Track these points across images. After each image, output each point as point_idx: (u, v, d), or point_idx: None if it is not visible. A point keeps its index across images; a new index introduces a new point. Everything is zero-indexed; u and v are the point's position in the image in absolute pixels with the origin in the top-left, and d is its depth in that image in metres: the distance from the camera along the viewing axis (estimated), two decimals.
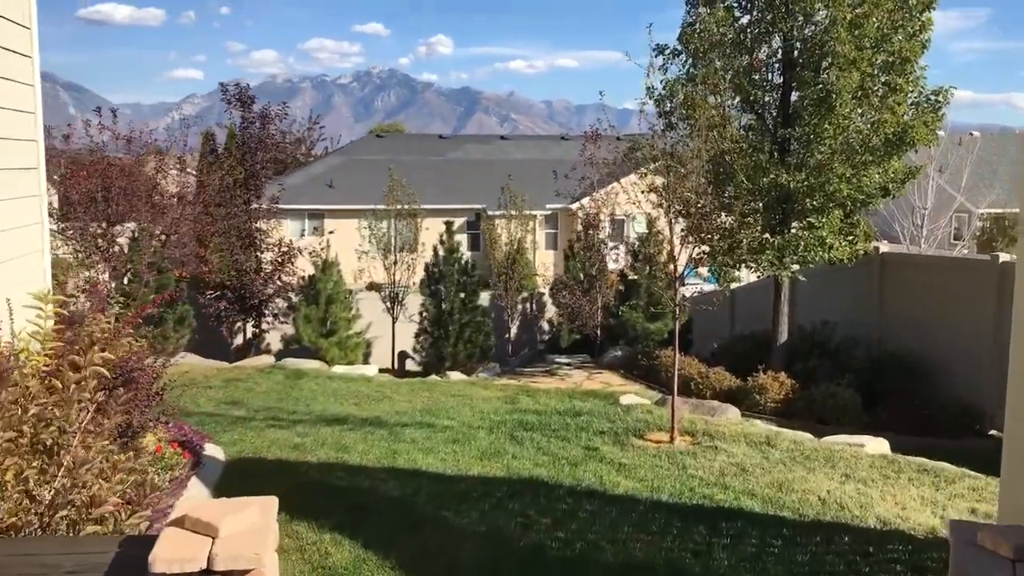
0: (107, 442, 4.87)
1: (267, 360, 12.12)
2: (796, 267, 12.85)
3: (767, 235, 12.50)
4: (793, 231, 12.78)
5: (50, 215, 20.62)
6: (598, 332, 19.08)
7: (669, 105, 12.97)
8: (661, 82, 12.81)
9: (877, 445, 8.57)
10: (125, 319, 6.52)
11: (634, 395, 10.58)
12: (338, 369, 12.08)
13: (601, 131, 19.44)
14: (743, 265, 12.64)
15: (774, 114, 13.32)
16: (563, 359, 14.50)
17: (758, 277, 14.62)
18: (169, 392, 10.30)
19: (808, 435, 8.91)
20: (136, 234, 19.72)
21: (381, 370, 21.36)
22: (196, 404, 9.92)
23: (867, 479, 7.20)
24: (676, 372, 9.08)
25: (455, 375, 13.06)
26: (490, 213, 37.59)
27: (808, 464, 7.56)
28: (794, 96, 13.23)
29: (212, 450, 7.69)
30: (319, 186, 39.18)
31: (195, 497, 6.28)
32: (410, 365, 21.40)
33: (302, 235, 34.61)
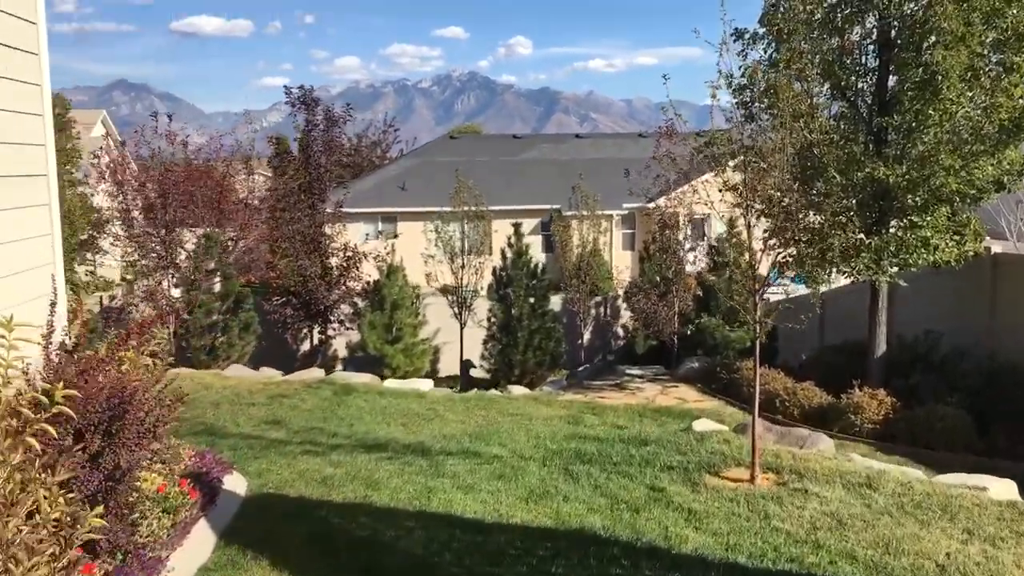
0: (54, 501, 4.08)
1: (317, 374, 11.46)
2: (895, 270, 11.51)
3: (862, 236, 11.20)
4: (892, 231, 11.44)
5: (118, 222, 20.63)
6: (675, 339, 17.92)
7: (749, 94, 11.78)
8: (740, 68, 11.62)
9: (1003, 489, 7.22)
10: (117, 338, 5.82)
11: (710, 419, 9.45)
12: (391, 384, 11.34)
13: (676, 127, 18.29)
14: (835, 270, 11.35)
15: (869, 101, 11.99)
16: (635, 370, 13.46)
17: (852, 280, 13.27)
18: (206, 411, 9.70)
19: (917, 473, 7.61)
20: (201, 240, 19.46)
21: (440, 381, 20.57)
22: (236, 423, 9.27)
23: (995, 537, 5.95)
24: (757, 397, 7.91)
25: (518, 389, 12.14)
26: (565, 213, 36.74)
27: (920, 515, 6.33)
28: (892, 80, 11.87)
29: (234, 482, 6.96)
30: (392, 189, 38.85)
31: (197, 549, 5.52)
32: (478, 373, 20.60)
33: (377, 237, 34.16)
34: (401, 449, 8.14)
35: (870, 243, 11.05)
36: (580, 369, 13.89)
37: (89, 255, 22.55)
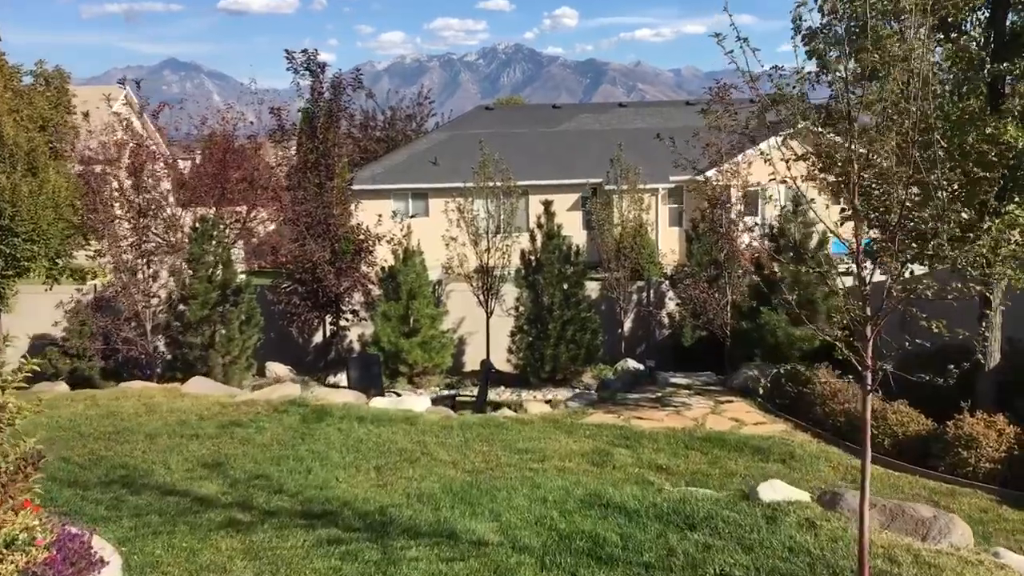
0: None
1: (288, 391, 9.39)
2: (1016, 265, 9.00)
3: (975, 218, 8.74)
4: (1014, 213, 8.92)
5: (116, 204, 18.86)
6: (727, 333, 15.53)
7: (827, 39, 9.30)
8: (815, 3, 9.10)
9: None
10: None
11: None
12: (377, 404, 9.22)
13: (735, 88, 15.82)
14: (940, 263, 8.89)
15: (980, 43, 9.44)
16: (681, 378, 11.17)
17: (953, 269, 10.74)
18: (137, 446, 7.70)
19: None
20: (198, 224, 17.54)
21: (463, 376, 18.45)
22: (165, 466, 7.26)
23: None
24: (867, 488, 5.14)
25: (536, 405, 9.94)
26: (607, 188, 34.24)
27: None
28: (1010, 17, 9.31)
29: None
30: (423, 163, 36.69)
31: None
32: (505, 367, 18.46)
33: (404, 217, 31.89)
34: (354, 522, 6.01)
35: (988, 227, 8.58)
36: (614, 377, 11.70)
37: (91, 239, 20.70)
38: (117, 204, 13.27)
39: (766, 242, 14.12)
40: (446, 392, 17.64)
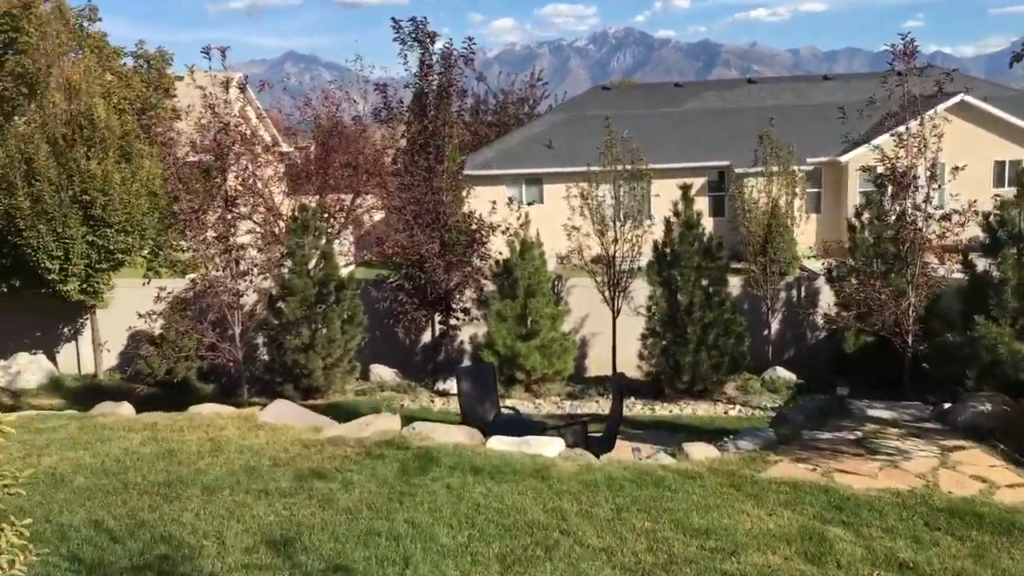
0: None
1: (385, 426, 7.35)
2: None
3: None
4: None
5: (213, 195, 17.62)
6: (907, 341, 12.76)
7: None
8: None
9: None
10: None
11: None
12: (498, 444, 7.07)
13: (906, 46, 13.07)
14: None
15: None
16: (881, 410, 8.63)
17: None
18: (189, 504, 5.86)
19: None
20: (297, 214, 15.98)
21: (587, 383, 16.03)
22: (220, 544, 5.39)
23: None
24: None
25: (699, 449, 7.57)
26: (738, 171, 31.27)
27: None
28: None
29: None
30: (537, 147, 34.57)
31: None
32: (635, 373, 16.17)
33: (520, 204, 29.84)
34: None
35: None
36: (793, 409, 9.30)
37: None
38: (201, 192, 11.72)
39: (982, 235, 11.30)
40: (569, 405, 15.53)
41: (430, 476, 6.41)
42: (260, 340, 16.47)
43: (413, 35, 16.45)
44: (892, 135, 12.95)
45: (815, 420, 8.52)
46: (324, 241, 16.42)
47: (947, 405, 8.84)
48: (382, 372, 17.10)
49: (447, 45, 16.56)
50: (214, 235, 11.63)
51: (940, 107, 12.89)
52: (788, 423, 8.36)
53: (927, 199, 12.90)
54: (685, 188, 15.78)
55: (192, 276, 12.50)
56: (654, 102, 36.61)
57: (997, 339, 10.11)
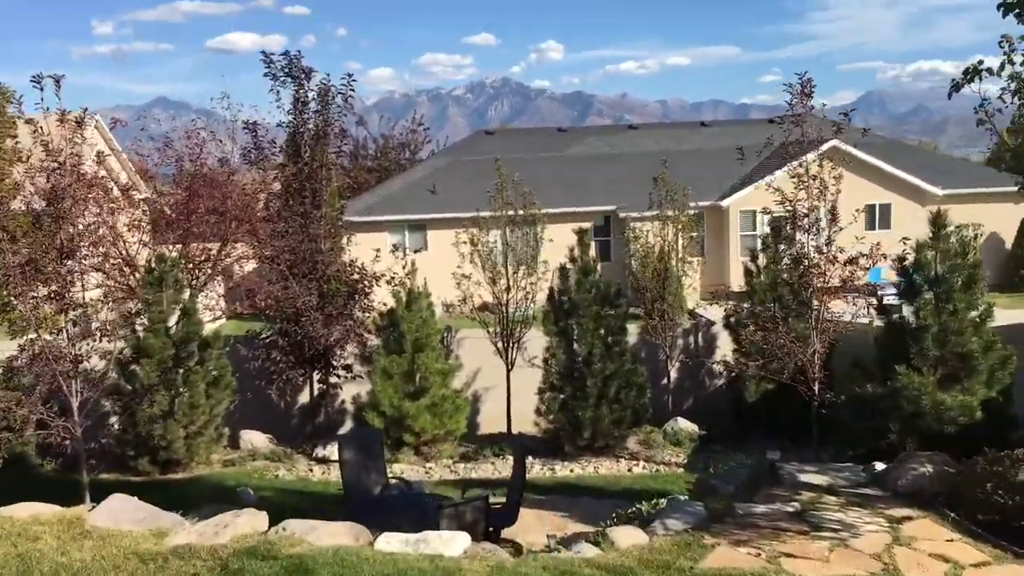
0: None
1: (251, 526, 5.93)
2: None
3: None
4: None
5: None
6: (814, 390, 12.19)
7: None
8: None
9: None
10: None
11: None
12: (390, 545, 5.76)
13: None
14: None
15: None
16: (814, 475, 7.77)
17: None
18: None
19: None
20: (153, 265, 14.27)
21: (481, 442, 14.53)
22: None
23: None
24: None
25: (625, 537, 6.48)
26: (623, 215, 31.07)
27: None
28: None
29: None
30: (420, 192, 33.53)
31: None
32: (532, 430, 15.12)
33: (404, 252, 28.48)
34: None
35: None
36: (719, 476, 8.34)
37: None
38: (32, 243, 9.95)
39: (894, 279, 10.86)
40: (463, 468, 14.28)
41: None
42: (111, 407, 14.55)
43: (286, 70, 15.13)
44: (792, 177, 12.51)
45: (745, 490, 7.63)
46: (187, 295, 14.75)
47: (880, 466, 8.14)
48: (254, 438, 15.40)
49: (324, 81, 15.33)
50: (46, 292, 9.90)
51: (812, 154, 12.59)
52: (718, 494, 7.44)
53: (828, 241, 12.48)
54: (581, 232, 15.00)
55: (21, 340, 10.69)
56: (537, 147, 36.29)
57: (920, 389, 9.60)
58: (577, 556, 6.03)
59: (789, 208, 12.69)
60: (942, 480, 7.35)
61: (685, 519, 6.91)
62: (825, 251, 12.40)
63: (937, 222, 10.30)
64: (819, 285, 12.46)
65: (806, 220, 12.65)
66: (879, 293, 17.50)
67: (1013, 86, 5.77)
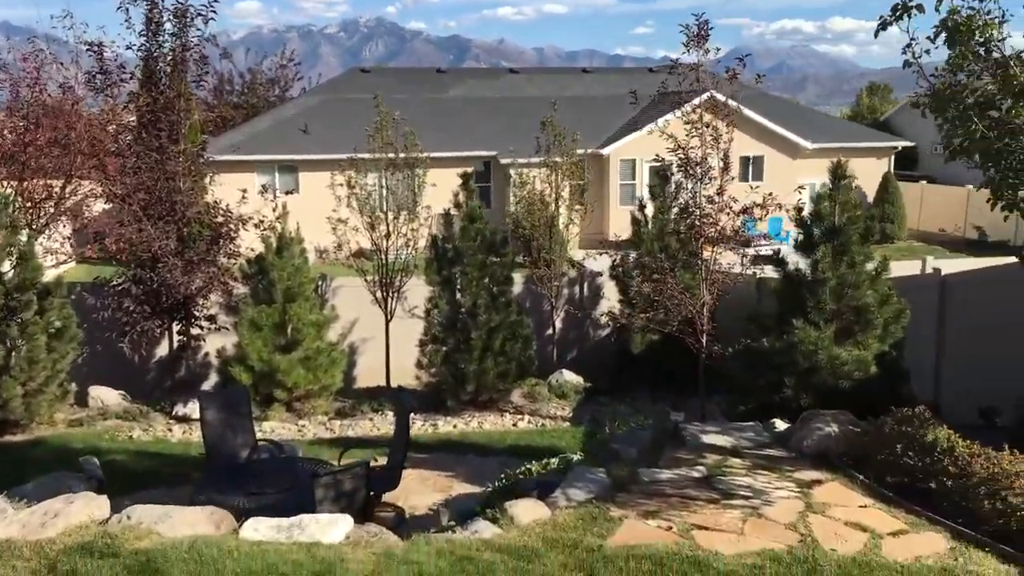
0: None
1: (87, 514, 4.96)
2: None
3: None
4: None
5: None
6: (703, 342, 11.99)
7: None
8: None
9: None
10: None
11: None
12: (257, 532, 4.89)
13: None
14: None
15: None
16: (715, 436, 7.39)
17: None
18: None
19: None
20: None
21: (358, 396, 13.62)
22: None
23: None
24: None
25: (526, 511, 5.88)
26: (503, 161, 30.36)
27: None
28: None
29: None
30: (292, 132, 31.76)
31: None
32: (412, 383, 14.41)
33: (285, 193, 26.49)
34: None
35: None
36: (619, 438, 7.84)
37: None
38: None
39: (794, 229, 10.60)
40: (339, 426, 13.43)
41: None
42: None
43: None
44: (686, 123, 12.08)
45: (648, 453, 7.18)
46: (24, 237, 13.11)
47: (781, 425, 7.88)
48: (104, 395, 14.00)
49: (182, 1, 13.72)
50: None
51: (693, 102, 12.25)
52: (616, 457, 6.95)
53: (720, 190, 12.18)
54: (466, 176, 14.21)
55: None
56: (416, 88, 35.00)
57: (816, 344, 9.43)
58: (475, 537, 5.39)
59: (681, 156, 12.28)
60: (848, 440, 7.13)
61: (588, 488, 6.38)
62: (717, 200, 12.10)
63: (837, 172, 10.08)
64: (710, 235, 12.19)
65: (699, 168, 12.29)
66: (752, 245, 17.62)
67: (950, 22, 5.34)
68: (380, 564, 4.79)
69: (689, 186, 12.72)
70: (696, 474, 6.68)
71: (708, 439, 7.53)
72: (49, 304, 12.77)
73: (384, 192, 15.28)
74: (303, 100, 35.94)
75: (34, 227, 15.24)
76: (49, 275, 13.30)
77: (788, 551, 5.31)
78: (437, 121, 30.80)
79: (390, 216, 15.03)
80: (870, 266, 9.83)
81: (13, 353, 12.35)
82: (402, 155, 14.88)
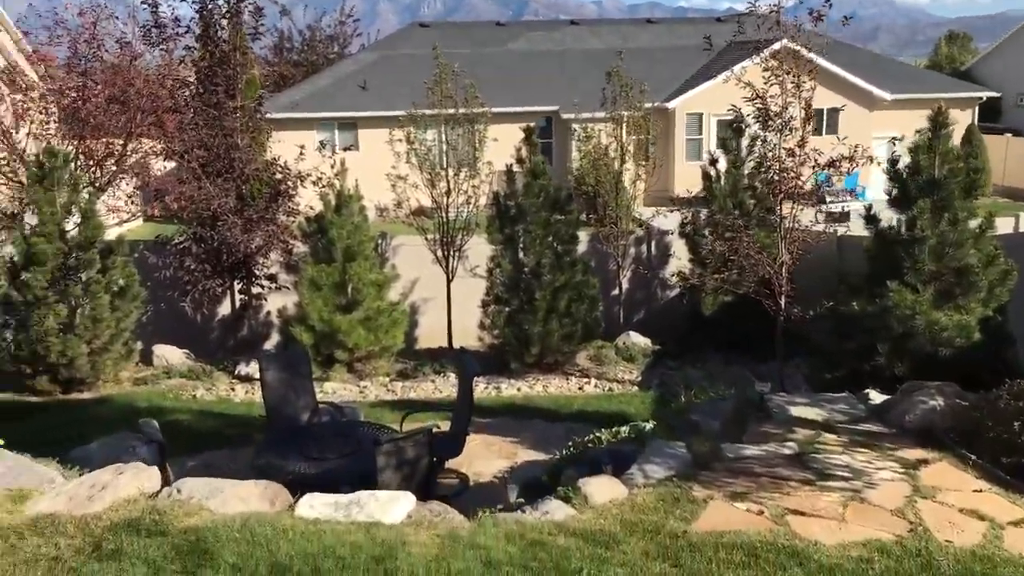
0: None
1: (136, 486, 4.73)
2: None
3: None
4: None
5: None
6: (781, 304, 11.30)
7: None
8: None
9: None
10: None
11: None
12: (308, 513, 4.56)
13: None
14: None
15: None
16: (802, 407, 6.81)
17: None
18: None
19: None
20: (44, 160, 12.48)
21: (419, 357, 12.76)
22: None
23: None
24: None
25: (600, 491, 5.41)
26: (565, 116, 29.58)
27: None
28: None
29: None
30: (351, 88, 31.42)
31: None
32: (475, 344, 14.04)
33: (346, 149, 26.31)
34: None
35: None
36: (699, 409, 7.29)
37: None
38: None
39: (888, 185, 9.80)
40: (401, 387, 13.15)
41: None
42: (2, 319, 12.95)
43: None
44: (765, 70, 11.26)
45: (732, 426, 6.65)
46: (85, 195, 13.02)
47: (876, 396, 7.25)
48: (169, 354, 13.97)
49: None
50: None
51: (773, 47, 11.38)
52: (701, 432, 6.44)
53: (801, 143, 11.37)
54: (529, 131, 13.62)
55: None
56: (476, 42, 34.22)
57: (914, 308, 8.69)
58: (546, 519, 4.97)
59: (759, 105, 11.48)
60: (955, 415, 6.48)
61: (667, 464, 5.89)
62: (798, 153, 11.30)
63: (937, 120, 9.22)
64: (790, 190, 11.43)
65: (778, 119, 11.48)
66: (834, 201, 16.68)
67: None
68: (445, 548, 4.40)
69: (768, 138, 11.92)
70: (786, 451, 6.15)
71: (796, 411, 6.96)
72: (112, 263, 12.69)
73: (444, 148, 14.81)
74: (362, 56, 35.50)
75: (96, 185, 15.17)
76: (113, 233, 13.23)
77: (898, 542, 4.76)
78: (497, 75, 30.08)
79: (450, 172, 14.58)
80: (973, 224, 9.02)
81: (78, 312, 12.33)
82: (462, 110, 14.34)
